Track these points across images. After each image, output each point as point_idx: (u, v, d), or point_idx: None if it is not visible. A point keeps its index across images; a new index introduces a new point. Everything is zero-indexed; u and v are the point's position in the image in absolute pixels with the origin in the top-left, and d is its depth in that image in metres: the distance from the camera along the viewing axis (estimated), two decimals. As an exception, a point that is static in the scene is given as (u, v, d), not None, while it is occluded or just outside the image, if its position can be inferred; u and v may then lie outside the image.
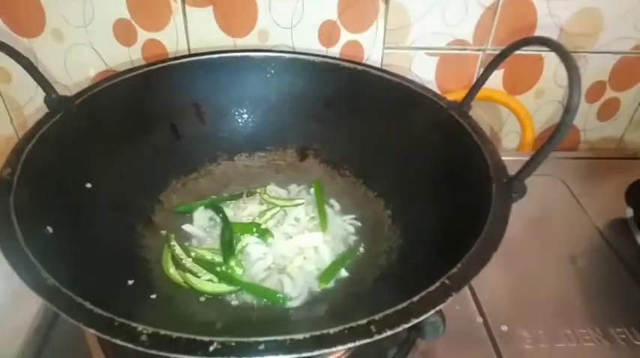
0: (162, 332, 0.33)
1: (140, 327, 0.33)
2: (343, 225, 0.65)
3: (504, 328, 0.58)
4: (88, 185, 0.56)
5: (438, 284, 0.38)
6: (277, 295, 0.54)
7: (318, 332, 0.33)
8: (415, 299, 0.36)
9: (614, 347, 0.57)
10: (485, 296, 0.61)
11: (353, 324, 0.34)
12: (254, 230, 0.60)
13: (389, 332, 0.34)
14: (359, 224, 0.65)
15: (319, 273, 0.58)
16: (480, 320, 0.59)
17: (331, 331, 0.34)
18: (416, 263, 0.52)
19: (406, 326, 0.35)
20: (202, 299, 0.54)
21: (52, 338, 0.54)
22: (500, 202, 0.46)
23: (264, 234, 0.60)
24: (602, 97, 0.91)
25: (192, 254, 0.58)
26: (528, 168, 0.46)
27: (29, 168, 0.49)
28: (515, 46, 0.53)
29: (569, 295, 0.63)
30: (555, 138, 0.44)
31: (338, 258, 0.60)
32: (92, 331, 0.34)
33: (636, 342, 0.57)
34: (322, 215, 0.64)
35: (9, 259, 0.38)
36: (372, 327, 0.34)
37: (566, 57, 0.45)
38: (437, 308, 0.36)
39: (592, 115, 0.93)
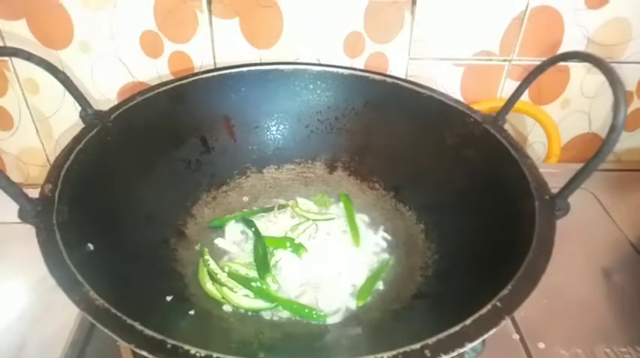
0: (215, 355, 0.33)
1: (193, 350, 0.33)
2: (375, 239, 0.64)
3: (541, 345, 0.57)
4: (123, 199, 0.56)
5: (489, 306, 0.37)
6: (314, 313, 0.53)
7: (372, 357, 0.33)
8: (468, 322, 0.36)
9: (654, 365, 0.56)
10: (520, 313, 0.60)
11: (407, 349, 0.34)
12: (288, 244, 0.60)
13: (443, 357, 0.33)
14: (390, 238, 0.65)
15: (354, 290, 0.57)
16: (516, 337, 0.58)
17: (385, 356, 0.33)
18: (454, 281, 0.51)
19: (461, 350, 0.34)
20: (239, 315, 0.54)
21: (87, 354, 0.54)
22: (545, 220, 0.45)
23: (298, 248, 0.60)
24: (629, 108, 0.90)
25: (226, 269, 0.58)
26: (572, 185, 0.46)
27: (68, 183, 0.49)
28: (554, 60, 0.52)
29: (605, 311, 0.62)
30: (600, 156, 0.44)
31: (373, 273, 0.60)
32: (144, 353, 0.33)
33: (677, 361, 0.56)
34: (354, 229, 0.64)
35: (57, 279, 0.38)
36: (427, 352, 0.34)
37: (609, 73, 0.44)
38: (490, 333, 0.35)
39: (618, 126, 0.92)
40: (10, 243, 0.67)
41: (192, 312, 0.51)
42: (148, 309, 0.43)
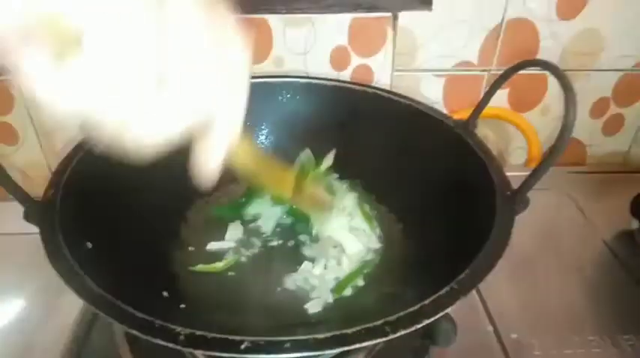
0: (198, 332, 0.37)
1: (178, 329, 0.37)
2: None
3: (514, 336, 0.61)
4: (120, 203, 0.60)
5: (447, 288, 0.41)
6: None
7: (338, 332, 0.37)
8: (426, 302, 0.40)
9: (621, 353, 0.59)
10: (495, 307, 0.64)
11: (369, 325, 0.38)
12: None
13: (402, 332, 0.37)
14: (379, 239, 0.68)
15: (336, 283, 0.61)
16: (490, 328, 0.62)
17: (349, 331, 0.37)
18: (427, 273, 0.55)
19: (418, 326, 0.38)
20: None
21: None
22: (505, 214, 0.49)
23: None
24: (606, 113, 0.94)
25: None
26: (529, 181, 0.50)
27: (69, 188, 0.53)
28: (515, 68, 0.57)
29: (577, 304, 0.65)
30: (554, 153, 0.48)
31: (355, 269, 0.63)
32: (135, 332, 0.37)
33: (643, 348, 0.59)
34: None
35: (58, 270, 0.42)
36: (387, 328, 0.38)
37: (561, 77, 0.48)
38: (446, 310, 0.39)
39: (597, 131, 0.96)
40: (11, 253, 0.72)
41: (183, 306, 0.55)
42: (141, 301, 0.47)
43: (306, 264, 0.63)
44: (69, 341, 0.59)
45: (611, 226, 0.78)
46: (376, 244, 0.66)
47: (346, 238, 0.64)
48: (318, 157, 0.74)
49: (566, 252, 0.74)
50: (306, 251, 0.66)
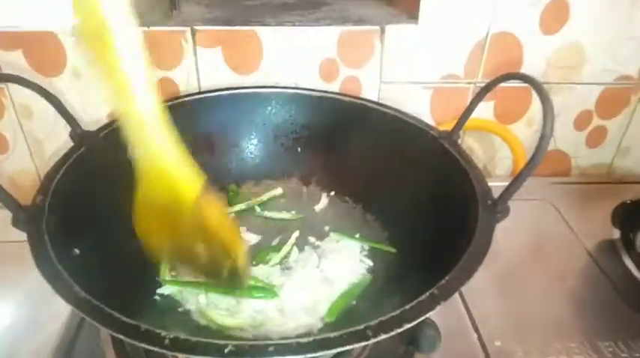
0: (183, 336, 0.37)
1: (163, 333, 0.38)
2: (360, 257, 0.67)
3: (498, 343, 0.62)
4: (108, 210, 0.60)
5: (427, 294, 0.42)
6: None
7: (320, 337, 0.38)
8: (407, 307, 0.41)
9: (601, 359, 0.60)
10: (479, 314, 0.65)
11: (352, 329, 0.38)
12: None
13: (383, 336, 0.38)
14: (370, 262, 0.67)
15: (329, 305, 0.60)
16: (474, 336, 0.63)
17: (332, 335, 0.38)
18: (411, 280, 0.56)
19: (400, 330, 0.39)
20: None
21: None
22: (486, 222, 0.50)
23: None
24: (589, 125, 0.95)
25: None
26: (509, 190, 0.51)
27: (57, 195, 0.54)
28: (497, 81, 0.59)
29: (559, 312, 0.67)
30: (532, 162, 0.49)
31: (347, 290, 0.62)
32: (121, 337, 0.38)
33: (622, 355, 0.60)
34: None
35: (46, 276, 0.43)
36: (369, 331, 0.38)
37: (539, 89, 0.50)
38: (427, 315, 0.40)
39: (581, 142, 0.98)
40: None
41: (181, 309, 0.55)
42: (128, 305, 0.48)
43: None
44: (56, 345, 0.59)
45: (594, 235, 0.79)
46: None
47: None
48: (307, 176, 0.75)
49: (550, 261, 0.75)
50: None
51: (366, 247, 0.69)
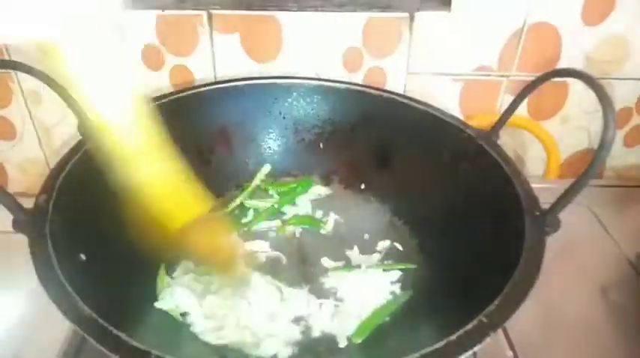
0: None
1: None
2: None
3: (534, 362, 0.57)
4: (117, 210, 0.56)
5: (475, 322, 0.37)
6: None
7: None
8: (452, 338, 0.36)
9: (648, 381, 0.55)
10: (514, 329, 0.60)
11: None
12: None
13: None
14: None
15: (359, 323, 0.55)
16: (510, 354, 0.58)
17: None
18: (444, 296, 0.51)
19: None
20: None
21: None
22: (534, 236, 0.45)
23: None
24: (628, 124, 0.90)
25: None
26: (562, 201, 0.46)
27: (63, 194, 0.50)
28: (546, 76, 0.53)
29: (601, 329, 0.62)
30: (589, 172, 0.44)
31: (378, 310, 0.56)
32: (129, 365, 0.34)
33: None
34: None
35: (47, 290, 0.39)
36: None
37: (599, 90, 0.45)
38: (475, 349, 0.35)
39: (618, 142, 0.92)
40: (8, 251, 0.68)
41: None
42: (136, 318, 0.44)
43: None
44: (67, 343, 0.56)
45: (635, 243, 0.74)
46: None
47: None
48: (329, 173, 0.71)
49: (589, 271, 0.70)
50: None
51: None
